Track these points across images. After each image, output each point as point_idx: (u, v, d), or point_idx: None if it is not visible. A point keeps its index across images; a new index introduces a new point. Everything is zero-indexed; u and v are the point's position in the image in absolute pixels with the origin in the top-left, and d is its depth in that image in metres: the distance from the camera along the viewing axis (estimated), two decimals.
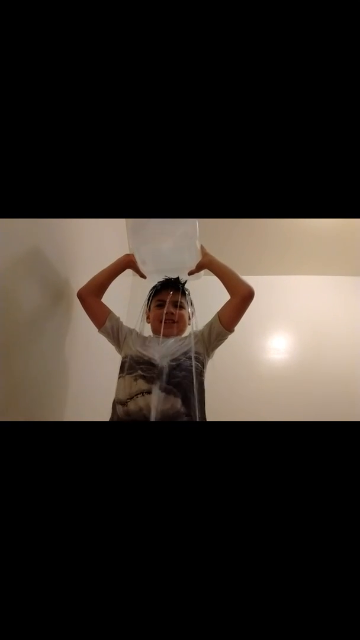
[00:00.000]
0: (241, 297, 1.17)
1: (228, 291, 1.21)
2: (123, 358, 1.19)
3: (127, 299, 2.52)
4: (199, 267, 1.27)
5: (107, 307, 1.27)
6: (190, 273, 1.29)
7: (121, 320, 1.29)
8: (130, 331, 1.28)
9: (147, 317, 1.34)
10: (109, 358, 1.35)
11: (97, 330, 1.26)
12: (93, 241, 1.62)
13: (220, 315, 1.20)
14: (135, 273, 1.33)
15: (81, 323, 1.35)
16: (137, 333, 1.27)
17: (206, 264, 1.27)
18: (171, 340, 1.21)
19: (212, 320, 1.22)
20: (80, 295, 1.25)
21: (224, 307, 1.21)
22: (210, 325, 1.21)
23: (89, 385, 1.55)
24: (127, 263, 1.30)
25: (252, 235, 2.42)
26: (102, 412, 1.14)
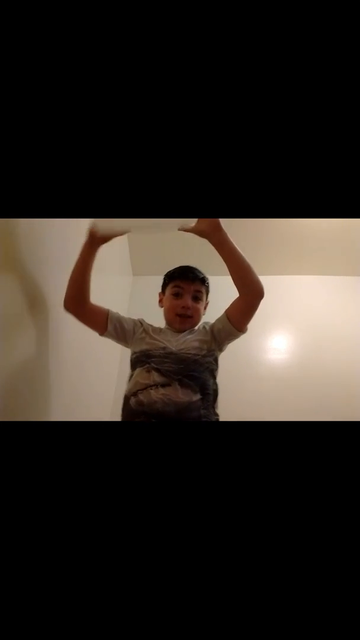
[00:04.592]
0: (252, 297, 1.06)
1: (237, 286, 1.07)
2: (132, 354, 1.15)
3: (127, 299, 2.52)
4: (203, 235, 1.03)
5: (101, 310, 1.15)
6: (182, 229, 1.03)
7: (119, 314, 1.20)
8: (137, 324, 1.20)
9: (160, 301, 1.27)
10: (95, 355, 1.30)
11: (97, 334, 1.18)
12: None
13: (229, 315, 1.12)
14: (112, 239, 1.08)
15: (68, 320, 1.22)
16: (145, 326, 1.20)
17: (215, 240, 1.03)
18: (185, 334, 1.17)
19: (221, 319, 1.14)
20: (67, 309, 1.11)
21: (233, 307, 1.12)
22: (221, 323, 1.14)
23: (73, 386, 1.48)
24: (94, 239, 1.05)
25: (252, 235, 2.41)
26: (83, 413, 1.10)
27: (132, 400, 1.04)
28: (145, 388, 1.03)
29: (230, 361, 2.48)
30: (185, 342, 1.12)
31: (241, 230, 2.42)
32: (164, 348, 1.10)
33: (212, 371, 1.10)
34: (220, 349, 1.17)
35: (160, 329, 1.22)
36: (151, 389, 1.02)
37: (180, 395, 1.00)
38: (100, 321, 1.15)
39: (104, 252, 1.26)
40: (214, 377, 1.11)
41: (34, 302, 1.06)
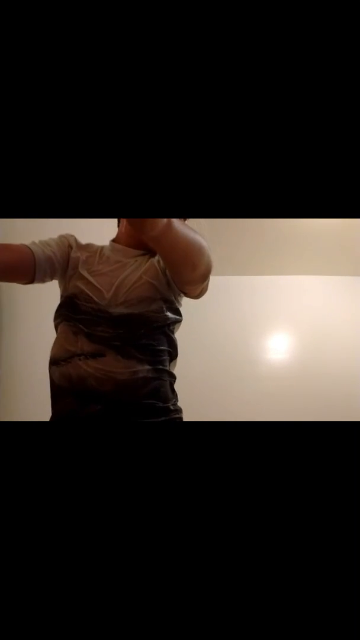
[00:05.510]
0: (190, 285, 0.80)
1: (169, 269, 0.79)
2: (62, 295, 0.85)
3: None
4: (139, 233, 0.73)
5: (23, 258, 0.79)
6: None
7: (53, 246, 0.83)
8: (70, 253, 0.84)
9: None
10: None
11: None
12: None
13: (170, 277, 0.81)
14: None
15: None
16: (76, 253, 0.84)
17: (147, 238, 0.70)
18: (134, 266, 0.82)
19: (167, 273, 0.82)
20: None
21: (170, 272, 0.81)
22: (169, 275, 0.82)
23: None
24: None
25: (252, 235, 2.42)
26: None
27: (56, 373, 0.77)
28: (71, 357, 0.75)
29: (231, 361, 2.50)
30: (133, 288, 0.79)
31: (241, 230, 2.44)
32: (95, 302, 0.77)
33: (167, 332, 0.81)
34: (181, 295, 0.86)
35: (100, 251, 0.86)
36: (79, 360, 0.74)
37: (121, 368, 0.73)
38: (25, 273, 0.81)
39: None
40: (171, 333, 0.82)
41: None
